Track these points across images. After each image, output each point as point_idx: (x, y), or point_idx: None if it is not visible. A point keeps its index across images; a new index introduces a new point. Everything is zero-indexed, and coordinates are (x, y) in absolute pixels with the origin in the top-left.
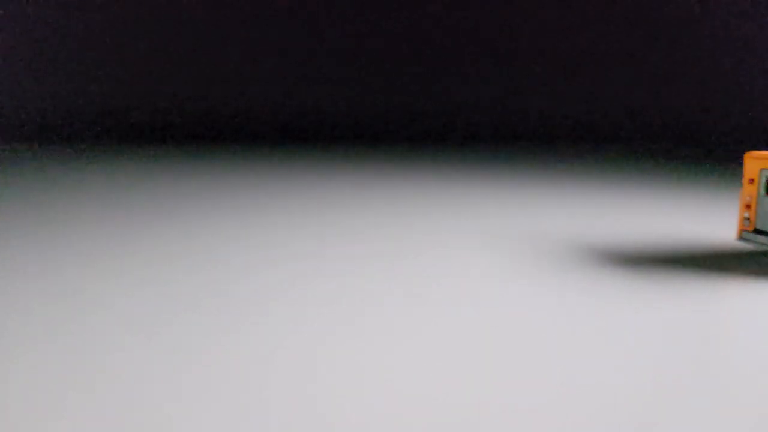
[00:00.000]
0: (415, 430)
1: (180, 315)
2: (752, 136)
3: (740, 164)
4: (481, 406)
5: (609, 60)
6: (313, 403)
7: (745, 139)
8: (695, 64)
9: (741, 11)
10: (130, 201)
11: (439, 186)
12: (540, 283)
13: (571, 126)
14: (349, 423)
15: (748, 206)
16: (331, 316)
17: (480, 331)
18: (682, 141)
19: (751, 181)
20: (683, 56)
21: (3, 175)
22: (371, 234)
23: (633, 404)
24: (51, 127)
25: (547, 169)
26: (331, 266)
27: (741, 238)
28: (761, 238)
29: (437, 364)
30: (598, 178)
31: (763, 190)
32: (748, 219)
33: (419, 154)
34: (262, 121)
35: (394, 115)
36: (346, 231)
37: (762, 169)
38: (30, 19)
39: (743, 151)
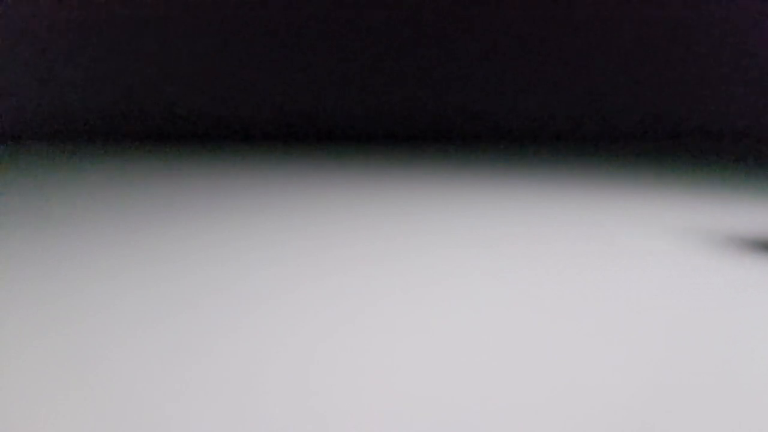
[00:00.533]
0: (414, 430)
1: (179, 315)
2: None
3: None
4: (483, 405)
5: (610, 59)
6: (313, 403)
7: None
8: (695, 62)
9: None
10: (129, 201)
11: (439, 185)
12: (541, 282)
13: (570, 125)
14: (348, 423)
15: None
16: (331, 315)
17: (481, 331)
18: (685, 139)
19: None
20: (683, 55)
21: (3, 175)
22: (372, 233)
23: (635, 406)
24: (50, 127)
25: (548, 168)
26: (331, 266)
27: None
28: None
29: (438, 364)
30: (603, 178)
31: None
32: None
33: (419, 153)
34: (261, 120)
35: (393, 114)
36: (345, 230)
37: None
38: (30, 18)
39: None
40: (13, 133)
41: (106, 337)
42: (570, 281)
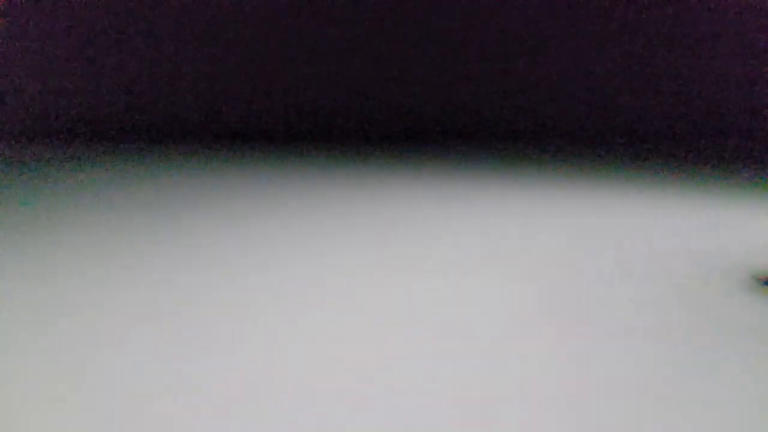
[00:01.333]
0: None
1: (179, 316)
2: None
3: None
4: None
5: (608, 59)
6: (314, 405)
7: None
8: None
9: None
10: (131, 200)
11: (438, 185)
12: (540, 286)
13: (568, 125)
14: (348, 424)
15: None
16: (332, 317)
17: (485, 337)
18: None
19: None
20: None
21: (4, 174)
22: (373, 235)
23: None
24: (49, 125)
25: (547, 167)
26: (333, 268)
27: None
28: None
29: (437, 367)
30: (602, 177)
31: None
32: None
33: (418, 153)
34: (261, 118)
35: (393, 113)
36: (344, 232)
37: None
38: (31, 17)
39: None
40: (13, 132)
41: (106, 336)
42: (572, 281)
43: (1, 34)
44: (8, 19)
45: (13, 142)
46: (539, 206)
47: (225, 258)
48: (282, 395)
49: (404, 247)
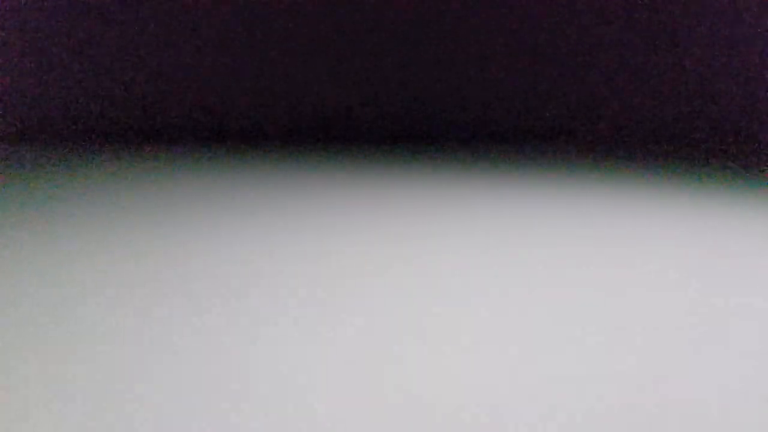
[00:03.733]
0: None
1: (181, 319)
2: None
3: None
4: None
5: (607, 58)
6: (314, 403)
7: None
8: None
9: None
10: (132, 201)
11: (438, 186)
12: (545, 283)
13: (566, 126)
14: (347, 425)
15: None
16: (333, 317)
17: (493, 336)
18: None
19: None
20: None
21: (4, 175)
22: (373, 236)
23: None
24: (50, 126)
25: (548, 168)
26: (334, 269)
27: None
28: None
29: (449, 362)
30: (601, 177)
31: None
32: None
33: (418, 153)
34: (261, 118)
35: (395, 112)
36: (344, 233)
37: None
38: (31, 17)
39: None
40: (13, 133)
41: (108, 337)
42: (574, 282)
43: (1, 34)
44: (7, 19)
45: (13, 142)
46: (540, 206)
47: (225, 258)
48: (281, 402)
49: (402, 247)
